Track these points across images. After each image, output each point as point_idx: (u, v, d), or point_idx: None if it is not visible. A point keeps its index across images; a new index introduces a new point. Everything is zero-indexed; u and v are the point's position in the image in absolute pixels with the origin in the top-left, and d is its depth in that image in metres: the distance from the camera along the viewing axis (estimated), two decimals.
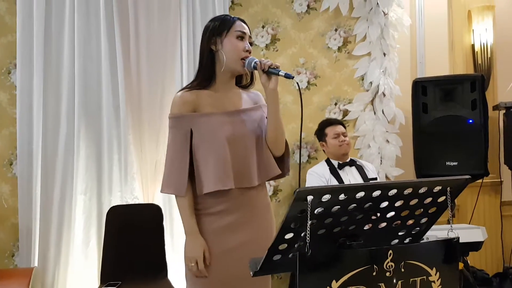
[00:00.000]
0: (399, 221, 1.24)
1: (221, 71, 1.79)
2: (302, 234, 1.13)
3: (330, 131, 3.27)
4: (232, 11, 3.35)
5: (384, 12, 3.67)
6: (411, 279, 1.13)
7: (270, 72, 1.72)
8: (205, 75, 1.81)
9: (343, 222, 1.16)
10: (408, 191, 1.15)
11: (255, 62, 1.75)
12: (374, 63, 3.69)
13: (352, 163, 3.24)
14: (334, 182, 3.10)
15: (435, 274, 1.16)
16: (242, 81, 1.91)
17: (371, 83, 3.68)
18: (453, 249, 1.19)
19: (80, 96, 2.95)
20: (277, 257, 1.17)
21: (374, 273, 1.09)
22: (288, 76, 1.70)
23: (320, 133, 3.34)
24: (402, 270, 1.12)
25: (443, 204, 1.23)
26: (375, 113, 3.72)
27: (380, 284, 1.10)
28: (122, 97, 2.96)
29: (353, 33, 3.66)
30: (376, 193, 1.11)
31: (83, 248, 2.92)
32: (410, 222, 1.26)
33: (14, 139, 2.86)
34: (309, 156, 3.55)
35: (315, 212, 1.09)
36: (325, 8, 3.58)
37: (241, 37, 1.79)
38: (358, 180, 3.14)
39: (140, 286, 2.33)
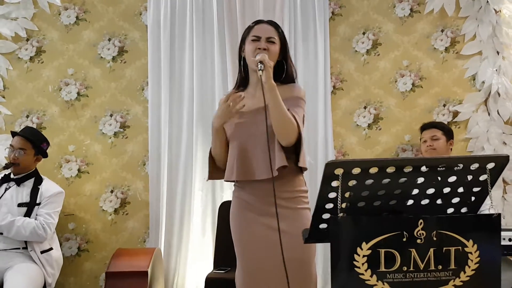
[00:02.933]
0: (443, 199, 1.32)
1: (251, 73, 2.02)
2: (341, 205, 1.29)
3: (422, 136, 3.32)
4: (332, 21, 3.54)
5: (495, 10, 3.53)
6: (444, 248, 1.22)
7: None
8: (239, 79, 2.09)
9: (381, 196, 1.29)
10: (441, 167, 1.24)
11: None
12: (486, 62, 3.56)
13: None
14: None
15: (472, 246, 1.23)
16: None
17: (483, 82, 3.54)
18: (494, 226, 1.24)
19: (198, 108, 3.40)
20: (323, 225, 1.35)
21: (405, 239, 1.21)
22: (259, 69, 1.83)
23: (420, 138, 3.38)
24: (434, 238, 1.22)
25: (487, 183, 1.28)
26: (489, 114, 3.56)
27: (411, 249, 1.21)
28: None
29: (461, 32, 3.58)
30: (408, 169, 1.23)
31: (200, 237, 3.35)
32: (456, 200, 1.33)
33: (147, 144, 3.41)
34: None
35: (349, 184, 1.25)
36: (429, 10, 3.57)
37: (256, 40, 1.97)
38: None
39: None
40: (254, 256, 1.99)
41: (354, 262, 1.20)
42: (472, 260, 1.23)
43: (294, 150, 1.95)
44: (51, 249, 2.90)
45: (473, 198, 1.33)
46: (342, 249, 1.21)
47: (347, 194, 1.28)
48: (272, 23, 2.08)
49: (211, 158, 2.10)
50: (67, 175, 3.41)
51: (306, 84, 3.48)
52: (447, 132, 3.30)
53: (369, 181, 1.25)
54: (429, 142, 3.23)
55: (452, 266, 1.22)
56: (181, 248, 3.34)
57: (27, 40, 3.44)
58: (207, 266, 3.25)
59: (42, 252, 2.84)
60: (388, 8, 3.59)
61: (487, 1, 3.52)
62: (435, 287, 1.21)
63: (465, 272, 1.23)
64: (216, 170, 2.10)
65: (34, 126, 3.37)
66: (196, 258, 3.35)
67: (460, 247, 1.22)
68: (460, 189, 1.30)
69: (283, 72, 2.05)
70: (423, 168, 1.23)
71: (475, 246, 1.23)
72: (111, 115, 3.45)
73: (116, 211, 3.41)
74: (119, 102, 3.46)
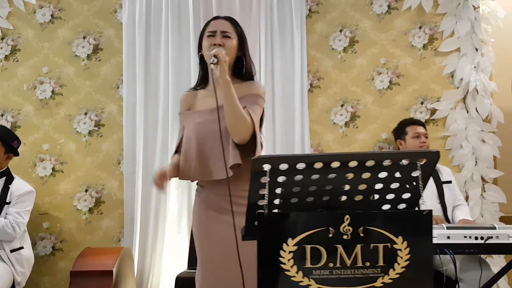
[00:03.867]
0: (377, 195, 1.30)
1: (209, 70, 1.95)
2: (274, 201, 1.28)
3: (411, 130, 3.20)
4: (309, 18, 3.53)
5: (474, 6, 3.50)
6: (372, 245, 1.20)
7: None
8: (200, 77, 2.06)
9: (313, 192, 1.27)
10: (370, 163, 1.22)
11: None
12: (464, 59, 3.53)
13: None
14: None
15: (402, 243, 1.21)
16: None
17: (461, 79, 3.51)
18: (426, 223, 1.22)
19: (173, 106, 3.37)
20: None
21: (331, 235, 1.19)
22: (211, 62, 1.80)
23: (400, 131, 3.27)
24: (361, 235, 1.20)
25: (422, 178, 1.26)
26: (467, 111, 3.53)
27: (337, 246, 1.19)
28: None
29: (440, 29, 3.56)
30: (336, 164, 1.21)
31: (175, 236, 3.33)
32: (391, 196, 1.31)
33: (121, 142, 3.40)
34: None
35: (278, 180, 1.23)
36: (407, 7, 3.54)
37: (211, 36, 1.95)
38: (430, 183, 2.95)
39: None
40: (215, 254, 1.97)
41: (280, 258, 1.19)
42: (402, 257, 1.21)
43: (253, 148, 1.93)
44: (21, 248, 2.89)
45: (409, 195, 1.30)
46: (269, 245, 1.19)
47: (278, 190, 1.26)
48: (228, 19, 2.06)
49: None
50: (41, 174, 3.40)
51: (283, 82, 3.47)
52: None
53: (298, 177, 1.23)
54: (424, 138, 3.14)
55: (381, 263, 1.20)
56: (156, 247, 3.33)
57: (2, 38, 3.44)
58: (182, 265, 3.23)
59: (12, 251, 2.83)
60: (365, 5, 3.56)
61: None
62: (363, 284, 1.19)
63: (394, 270, 1.20)
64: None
65: (9, 124, 3.36)
66: (171, 257, 3.33)
67: (388, 244, 1.20)
68: (394, 185, 1.28)
69: (243, 69, 2.03)
70: (351, 164, 1.21)
71: (405, 243, 1.21)
72: (85, 114, 3.44)
73: (91, 210, 3.40)
74: (94, 101, 3.45)
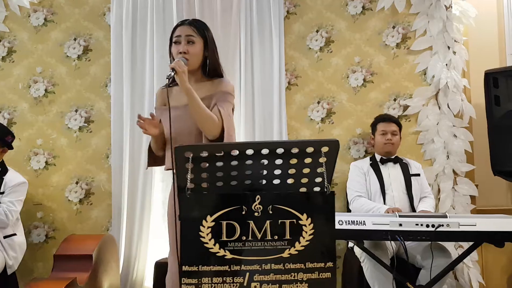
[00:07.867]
0: (292, 179, 1.49)
1: None
2: (202, 185, 1.47)
3: (380, 126, 3.35)
4: (287, 20, 3.71)
5: (446, 6, 3.64)
6: (279, 220, 1.39)
7: None
8: (173, 76, 2.15)
9: (236, 177, 1.47)
10: (280, 150, 1.41)
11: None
12: (436, 57, 3.68)
13: (396, 160, 3.31)
14: (372, 175, 3.21)
15: (306, 219, 1.39)
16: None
17: (433, 77, 3.66)
18: (328, 202, 1.40)
19: None
20: None
21: (244, 213, 1.38)
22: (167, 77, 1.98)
23: (373, 127, 3.44)
24: (270, 212, 1.39)
25: (327, 164, 1.45)
26: (439, 107, 3.68)
27: (250, 221, 1.39)
28: None
29: (412, 28, 3.71)
30: (250, 151, 1.40)
31: (160, 225, 3.54)
32: (305, 180, 1.50)
33: (109, 137, 3.63)
34: (366, 151, 3.67)
35: (201, 165, 1.43)
36: (380, 7, 3.70)
37: (177, 41, 2.14)
38: (399, 175, 3.24)
39: None
40: (173, 236, 2.17)
41: (200, 233, 1.38)
42: (306, 232, 1.40)
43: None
44: (14, 234, 3.13)
45: (320, 179, 1.49)
46: (190, 222, 1.39)
47: (204, 175, 1.46)
48: (193, 24, 2.20)
49: (150, 149, 2.29)
50: (35, 167, 3.64)
51: (262, 80, 3.66)
52: (401, 129, 3.41)
53: (219, 163, 1.43)
54: (390, 136, 3.30)
55: (287, 236, 1.39)
56: (142, 236, 3.55)
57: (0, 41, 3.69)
58: (165, 253, 3.43)
59: (5, 237, 3.07)
60: (341, 6, 3.73)
61: None
62: (272, 255, 1.38)
63: (299, 242, 1.39)
64: (153, 159, 2.29)
65: (5, 121, 3.62)
66: (155, 245, 3.55)
67: (294, 220, 1.39)
68: (306, 170, 1.47)
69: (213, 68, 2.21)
70: (264, 151, 1.40)
71: (309, 219, 1.39)
72: (76, 111, 3.68)
73: (81, 201, 3.64)
74: (84, 98, 3.69)
